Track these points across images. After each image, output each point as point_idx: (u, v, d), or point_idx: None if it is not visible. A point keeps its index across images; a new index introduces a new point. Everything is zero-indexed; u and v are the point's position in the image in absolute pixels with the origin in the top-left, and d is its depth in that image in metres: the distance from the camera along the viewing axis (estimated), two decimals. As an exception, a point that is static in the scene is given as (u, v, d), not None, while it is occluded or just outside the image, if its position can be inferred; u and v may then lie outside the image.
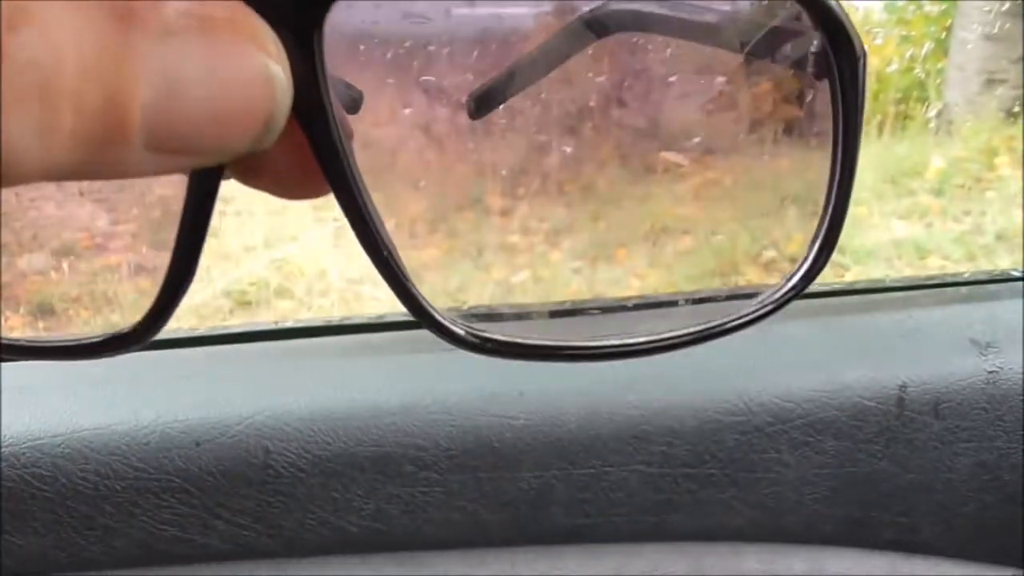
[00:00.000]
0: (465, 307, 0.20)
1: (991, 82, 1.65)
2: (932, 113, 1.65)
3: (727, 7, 0.21)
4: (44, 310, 0.26)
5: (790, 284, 0.20)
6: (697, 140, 0.23)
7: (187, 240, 0.17)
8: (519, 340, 0.18)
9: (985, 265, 1.45)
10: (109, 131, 0.13)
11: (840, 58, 0.18)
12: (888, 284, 0.64)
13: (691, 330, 0.19)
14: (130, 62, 0.12)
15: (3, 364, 0.50)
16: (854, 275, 1.36)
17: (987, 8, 1.58)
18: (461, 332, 0.18)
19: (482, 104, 0.21)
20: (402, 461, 0.49)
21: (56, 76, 0.12)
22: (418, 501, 0.50)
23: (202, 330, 0.60)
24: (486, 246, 0.26)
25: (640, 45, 0.22)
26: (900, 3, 1.68)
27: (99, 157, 0.13)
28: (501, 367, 0.50)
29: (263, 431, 0.48)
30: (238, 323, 1.09)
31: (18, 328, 0.25)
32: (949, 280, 0.63)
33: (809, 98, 0.20)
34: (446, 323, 0.18)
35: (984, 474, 0.53)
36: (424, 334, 0.18)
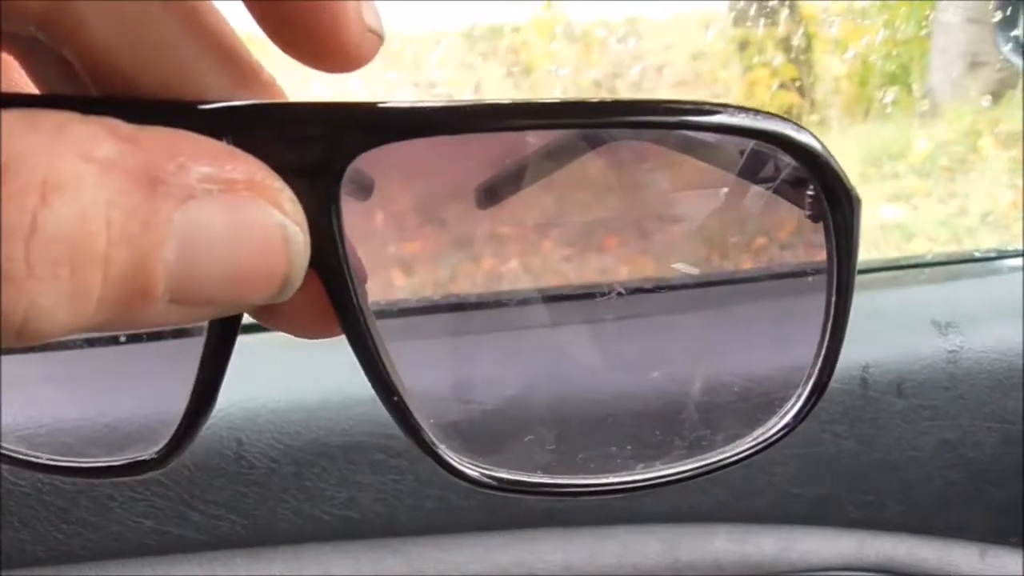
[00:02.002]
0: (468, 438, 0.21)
1: (974, 65, 1.65)
2: (916, 96, 1.65)
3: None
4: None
5: (783, 422, 0.21)
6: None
7: (207, 375, 0.18)
8: (526, 479, 0.20)
9: (970, 247, 1.46)
10: (134, 294, 0.13)
11: (834, 208, 0.18)
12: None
13: (688, 467, 0.21)
14: (156, 228, 0.13)
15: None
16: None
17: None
18: (475, 474, 0.20)
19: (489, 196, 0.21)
20: (373, 450, 0.50)
21: (86, 246, 0.12)
22: (390, 489, 0.50)
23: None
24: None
25: (637, 154, 0.22)
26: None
27: (124, 315, 0.13)
28: (469, 354, 0.51)
29: (236, 423, 0.49)
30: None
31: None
32: (910, 262, 0.63)
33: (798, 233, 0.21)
34: (458, 465, 0.19)
35: (947, 452, 0.54)
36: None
